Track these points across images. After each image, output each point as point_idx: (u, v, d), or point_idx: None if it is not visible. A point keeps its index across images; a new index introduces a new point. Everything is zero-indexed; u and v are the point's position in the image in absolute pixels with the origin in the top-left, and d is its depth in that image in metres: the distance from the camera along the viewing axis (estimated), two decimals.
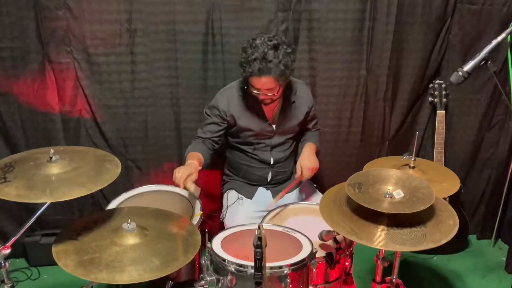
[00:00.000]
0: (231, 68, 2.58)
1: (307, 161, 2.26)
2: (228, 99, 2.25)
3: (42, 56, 2.48)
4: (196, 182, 2.02)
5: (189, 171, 1.98)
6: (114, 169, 1.61)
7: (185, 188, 1.98)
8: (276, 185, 2.43)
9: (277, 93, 2.13)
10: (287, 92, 2.29)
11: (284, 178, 2.44)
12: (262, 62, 2.01)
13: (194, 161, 2.08)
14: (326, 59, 2.66)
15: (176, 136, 2.73)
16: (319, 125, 2.59)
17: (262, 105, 2.25)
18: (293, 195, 2.39)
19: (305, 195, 2.41)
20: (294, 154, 2.47)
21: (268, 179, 2.40)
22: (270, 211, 2.15)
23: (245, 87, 2.17)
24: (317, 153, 2.42)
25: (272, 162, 2.37)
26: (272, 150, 2.36)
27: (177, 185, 1.97)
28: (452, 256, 2.92)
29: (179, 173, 1.97)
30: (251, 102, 2.24)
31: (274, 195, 2.38)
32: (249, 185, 2.41)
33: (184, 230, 1.66)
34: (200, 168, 2.08)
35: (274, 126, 2.31)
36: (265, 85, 2.07)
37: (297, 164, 2.28)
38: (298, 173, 2.24)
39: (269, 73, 2.03)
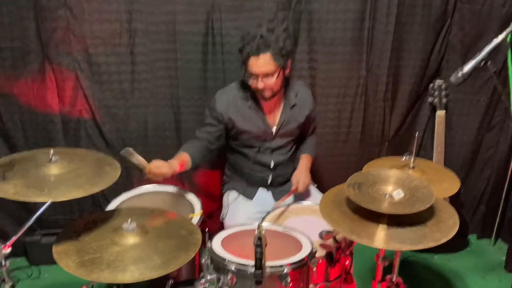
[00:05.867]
0: (231, 69, 2.58)
1: (304, 176, 2.30)
2: (227, 100, 2.24)
3: (42, 56, 2.48)
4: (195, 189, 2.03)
5: (161, 163, 1.99)
6: (113, 172, 1.62)
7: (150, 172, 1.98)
8: (277, 187, 2.42)
9: (275, 79, 2.10)
10: (288, 93, 2.29)
11: (284, 180, 2.43)
12: (260, 40, 2.04)
13: (174, 161, 2.09)
14: (326, 59, 2.66)
15: (176, 136, 2.73)
16: (318, 127, 2.59)
17: (262, 107, 2.24)
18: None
19: (303, 195, 2.41)
20: (294, 157, 2.46)
21: (268, 182, 2.39)
22: (269, 212, 2.16)
23: (245, 75, 2.15)
24: (313, 161, 2.47)
25: (272, 165, 2.36)
26: (272, 153, 2.36)
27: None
28: (452, 256, 2.93)
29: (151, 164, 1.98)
30: (251, 103, 2.24)
31: (274, 196, 2.38)
32: (250, 186, 2.41)
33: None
34: (180, 168, 2.08)
35: (274, 128, 2.31)
36: (262, 67, 2.06)
37: (293, 177, 2.29)
38: (294, 186, 2.25)
39: (267, 49, 2.03)
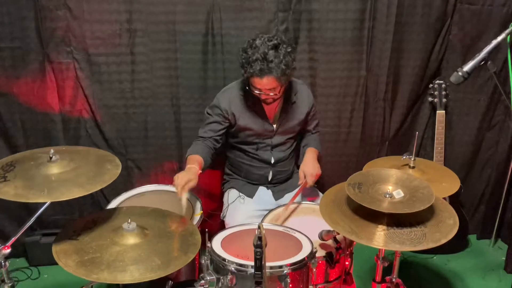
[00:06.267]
0: (231, 68, 2.59)
1: (311, 167, 2.25)
2: (229, 98, 2.25)
3: (42, 56, 2.48)
4: (195, 189, 2.03)
5: (187, 177, 1.97)
6: (113, 170, 1.61)
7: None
8: (277, 184, 2.43)
9: (279, 93, 2.13)
10: (288, 92, 2.29)
11: (284, 177, 2.44)
12: (263, 62, 2.02)
13: (194, 166, 2.07)
14: (326, 59, 2.66)
15: (176, 136, 2.73)
16: (320, 127, 2.58)
17: (263, 105, 2.25)
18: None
19: (307, 196, 2.40)
20: (295, 154, 2.47)
21: (269, 179, 2.40)
22: (270, 211, 2.15)
23: (247, 87, 2.17)
24: (319, 157, 2.41)
25: (273, 161, 2.37)
26: (272, 149, 2.36)
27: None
28: (452, 256, 2.93)
29: (178, 179, 1.96)
30: (252, 102, 2.24)
31: (274, 194, 2.38)
32: (250, 184, 2.41)
33: (181, 228, 1.66)
34: (200, 171, 2.08)
35: (274, 126, 2.31)
36: (266, 85, 2.07)
37: (300, 171, 2.27)
38: (302, 180, 2.22)
39: (270, 73, 2.03)
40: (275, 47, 2.05)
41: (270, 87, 2.08)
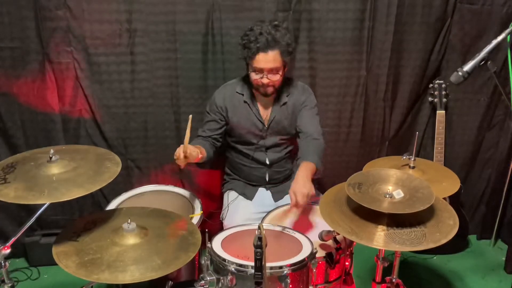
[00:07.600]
0: (231, 68, 2.59)
1: (302, 186, 1.93)
2: (224, 94, 2.28)
3: (42, 56, 2.48)
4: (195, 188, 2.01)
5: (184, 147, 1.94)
6: (114, 167, 1.61)
7: (185, 156, 1.94)
8: (276, 184, 2.43)
9: (280, 75, 2.14)
10: (280, 91, 2.29)
11: (283, 177, 2.44)
12: (269, 35, 2.06)
13: (196, 148, 2.07)
14: (326, 59, 2.66)
15: (176, 136, 2.73)
16: (324, 130, 2.42)
17: (257, 103, 2.25)
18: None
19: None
20: (293, 154, 2.45)
21: (267, 179, 2.40)
22: (269, 212, 2.15)
23: (248, 70, 2.16)
24: (317, 172, 2.12)
25: (268, 162, 2.37)
26: (267, 151, 2.36)
27: (178, 158, 1.94)
28: (452, 256, 2.93)
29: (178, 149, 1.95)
30: (246, 99, 2.26)
31: (274, 196, 2.39)
32: (250, 186, 2.42)
33: (179, 234, 1.66)
34: (201, 156, 2.08)
35: (266, 125, 2.31)
36: (270, 63, 2.08)
37: (290, 191, 1.95)
38: (293, 201, 1.93)
39: (276, 45, 2.07)
40: (276, 26, 2.12)
41: (273, 65, 2.09)
